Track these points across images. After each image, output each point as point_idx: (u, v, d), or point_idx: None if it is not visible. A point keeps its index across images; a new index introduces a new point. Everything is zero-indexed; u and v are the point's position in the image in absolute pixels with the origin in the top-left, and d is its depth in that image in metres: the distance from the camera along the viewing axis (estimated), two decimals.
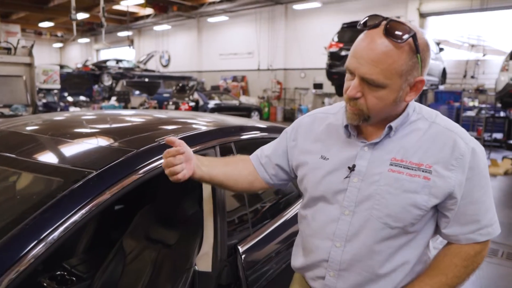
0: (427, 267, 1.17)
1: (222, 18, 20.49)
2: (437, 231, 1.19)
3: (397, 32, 0.99)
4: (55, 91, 10.27)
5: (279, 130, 2.29)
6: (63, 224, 1.08)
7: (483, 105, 12.32)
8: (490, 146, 10.55)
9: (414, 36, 1.00)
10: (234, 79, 20.76)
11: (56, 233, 1.07)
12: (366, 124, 1.14)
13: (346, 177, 1.15)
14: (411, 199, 1.07)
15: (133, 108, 14.21)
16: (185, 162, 1.21)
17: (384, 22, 1.02)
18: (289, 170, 1.38)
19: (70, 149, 1.52)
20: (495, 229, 1.14)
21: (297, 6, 17.71)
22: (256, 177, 1.41)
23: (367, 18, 1.06)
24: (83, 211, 1.14)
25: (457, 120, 11.58)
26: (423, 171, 1.07)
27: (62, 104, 11.39)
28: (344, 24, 9.99)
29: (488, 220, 1.12)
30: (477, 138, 10.33)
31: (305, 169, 1.27)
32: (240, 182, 1.39)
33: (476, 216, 1.11)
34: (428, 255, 1.21)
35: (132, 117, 2.24)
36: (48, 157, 1.47)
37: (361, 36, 1.06)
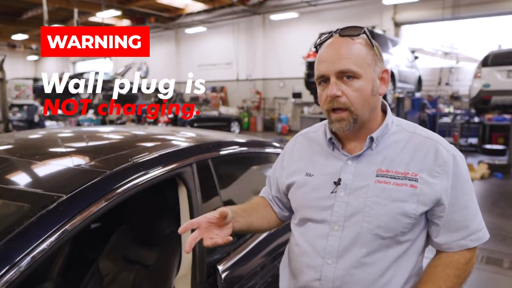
0: (419, 280, 1.16)
1: (200, 29, 20.51)
2: (429, 241, 1.19)
3: (350, 31, 1.12)
4: (35, 106, 10.12)
5: (259, 145, 2.26)
6: (30, 254, 1.02)
7: (458, 111, 12.64)
8: (466, 151, 10.79)
9: (365, 32, 1.12)
10: (213, 89, 20.75)
11: (23, 263, 1.01)
12: (354, 129, 1.13)
13: (333, 191, 1.15)
14: (400, 208, 1.08)
15: (111, 121, 14.00)
16: (205, 230, 1.10)
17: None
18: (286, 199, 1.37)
19: (39, 172, 1.45)
20: (484, 233, 1.15)
21: (274, 17, 17.88)
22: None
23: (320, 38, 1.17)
24: (52, 238, 1.08)
25: (433, 126, 11.83)
26: (409, 180, 1.09)
27: (37, 117, 11.17)
28: (321, 33, 10.11)
29: (476, 225, 1.14)
30: (453, 144, 10.62)
31: (293, 189, 1.27)
32: (271, 222, 1.41)
33: (465, 222, 1.12)
34: (421, 267, 1.21)
35: (107, 134, 2.18)
36: (15, 181, 1.40)
37: (322, 47, 1.15)
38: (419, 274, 1.18)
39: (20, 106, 10.08)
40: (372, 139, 1.14)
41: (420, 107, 12.19)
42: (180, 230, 1.09)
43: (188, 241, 1.07)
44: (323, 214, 1.16)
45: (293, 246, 1.27)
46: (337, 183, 1.15)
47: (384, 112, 1.21)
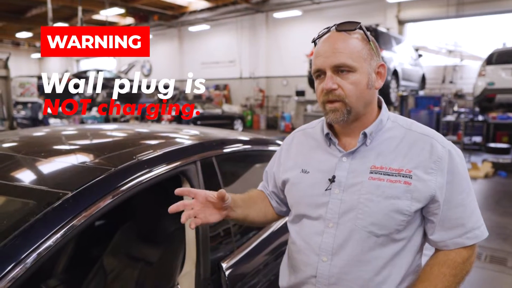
0: (416, 279, 1.15)
1: (203, 27, 20.49)
2: (426, 239, 1.19)
3: (346, 26, 1.14)
4: (39, 104, 10.16)
5: (262, 143, 2.27)
6: (35, 251, 1.03)
7: (462, 110, 12.58)
8: (470, 149, 10.74)
9: (361, 27, 1.14)
10: (217, 87, 20.73)
11: (29, 260, 1.01)
12: (349, 122, 1.14)
13: (327, 189, 1.15)
14: (393, 205, 1.08)
15: (114, 119, 14.03)
16: (200, 207, 1.14)
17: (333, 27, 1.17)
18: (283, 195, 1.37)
19: (44, 169, 1.46)
20: (482, 231, 1.14)
21: (277, 15, 17.83)
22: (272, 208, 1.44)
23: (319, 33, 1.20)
24: (58, 235, 1.09)
25: (437, 124, 11.80)
26: (403, 176, 1.08)
27: (41, 115, 11.22)
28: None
29: (473, 223, 1.12)
30: (457, 142, 10.43)
31: (288, 185, 1.28)
32: (268, 216, 1.42)
33: (461, 220, 1.11)
34: (420, 265, 1.20)
35: (111, 132, 2.19)
36: (20, 178, 1.41)
37: (319, 42, 1.17)
38: (417, 272, 1.18)
39: (24, 104, 10.11)
40: (365, 134, 1.14)
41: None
42: (176, 192, 1.13)
43: (183, 214, 1.10)
44: (318, 211, 1.17)
45: (290, 244, 1.29)
46: (332, 180, 1.15)
47: (381, 108, 1.21)
